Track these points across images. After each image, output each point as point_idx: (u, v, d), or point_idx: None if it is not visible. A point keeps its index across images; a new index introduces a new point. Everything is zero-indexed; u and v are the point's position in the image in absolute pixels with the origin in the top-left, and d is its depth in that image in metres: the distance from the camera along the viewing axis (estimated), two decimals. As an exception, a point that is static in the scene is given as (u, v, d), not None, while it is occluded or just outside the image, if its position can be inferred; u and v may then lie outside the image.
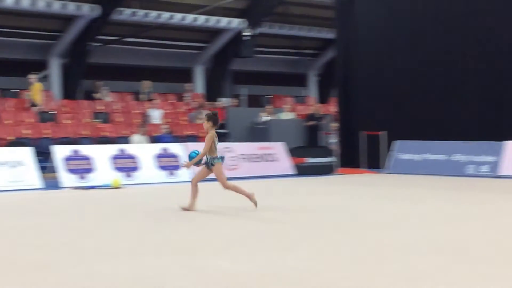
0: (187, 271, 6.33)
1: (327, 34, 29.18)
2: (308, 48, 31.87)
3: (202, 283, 5.82)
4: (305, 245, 7.83)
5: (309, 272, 6.28)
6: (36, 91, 22.47)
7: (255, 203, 11.62)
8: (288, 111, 26.55)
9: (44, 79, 25.75)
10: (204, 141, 11.86)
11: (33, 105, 22.54)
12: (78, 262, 6.85)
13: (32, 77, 22.34)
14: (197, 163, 11.82)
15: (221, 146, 20.55)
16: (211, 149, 11.62)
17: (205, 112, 25.36)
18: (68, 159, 17.47)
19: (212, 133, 11.67)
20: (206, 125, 11.83)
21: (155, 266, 6.60)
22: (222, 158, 11.78)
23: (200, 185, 11.68)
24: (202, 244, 7.95)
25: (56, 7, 23.25)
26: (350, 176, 20.63)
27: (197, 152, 11.78)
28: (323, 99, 31.31)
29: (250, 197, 11.72)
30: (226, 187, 11.80)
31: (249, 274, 6.20)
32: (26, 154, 17.08)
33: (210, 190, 12.57)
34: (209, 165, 11.64)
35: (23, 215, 11.45)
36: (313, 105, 27.19)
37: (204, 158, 11.68)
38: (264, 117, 25.25)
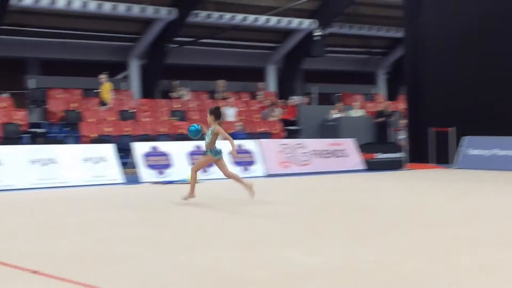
0: (263, 262, 6.40)
1: (396, 33, 28.90)
2: (377, 47, 31.61)
3: (277, 275, 5.88)
4: (376, 239, 7.82)
5: (382, 265, 6.28)
6: (105, 90, 22.60)
7: (252, 194, 11.93)
8: (357, 108, 26.40)
9: (124, 80, 26.25)
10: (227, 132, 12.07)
11: (103, 104, 22.73)
12: (159, 254, 6.99)
13: (102, 77, 22.46)
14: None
15: (293, 142, 20.74)
16: (212, 141, 11.86)
17: (277, 110, 25.59)
18: (147, 155, 17.77)
19: (218, 126, 11.88)
20: (209, 118, 12.04)
21: (231, 258, 6.69)
22: (220, 152, 12.03)
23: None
24: (277, 237, 8.01)
25: (136, 11, 23.64)
26: (419, 171, 20.44)
27: (196, 126, 12.11)
28: (392, 97, 31.02)
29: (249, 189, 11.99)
30: (230, 176, 12.20)
31: (323, 266, 6.22)
32: (108, 150, 17.45)
33: (276, 185, 12.64)
34: (216, 155, 11.87)
35: (107, 209, 11.73)
36: (382, 102, 26.97)
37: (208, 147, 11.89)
38: (335, 114, 25.19)
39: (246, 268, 6.17)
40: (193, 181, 12.09)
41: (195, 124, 12.36)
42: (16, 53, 24.29)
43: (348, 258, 6.62)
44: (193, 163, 13.09)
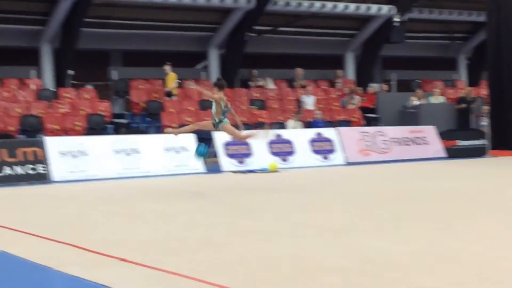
0: (347, 250, 6.37)
1: (478, 17, 28.27)
2: (458, 32, 30.94)
3: (361, 262, 5.84)
4: (460, 226, 7.68)
5: (468, 252, 6.16)
6: (170, 81, 22.48)
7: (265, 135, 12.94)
8: (438, 95, 25.97)
9: (203, 69, 26.48)
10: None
11: (168, 94, 22.59)
12: (243, 242, 7.04)
13: (167, 68, 22.39)
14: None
15: (373, 130, 20.58)
16: (218, 110, 11.91)
17: (356, 97, 25.39)
18: (228, 144, 17.91)
19: (219, 95, 11.92)
20: (214, 91, 12.09)
21: (315, 245, 6.68)
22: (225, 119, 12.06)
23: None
24: (361, 225, 7.97)
25: (215, 1, 23.81)
26: (503, 158, 19.99)
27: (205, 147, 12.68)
28: (473, 83, 30.34)
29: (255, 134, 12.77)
30: (241, 138, 12.64)
31: (409, 255, 6.15)
32: (189, 140, 17.66)
33: (356, 173, 12.57)
34: (218, 126, 12.02)
35: (190, 198, 11.88)
36: (464, 89, 26.45)
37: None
38: (415, 101, 24.86)
39: (330, 255, 6.16)
40: (248, 134, 12.80)
41: (202, 145, 12.96)
42: (99, 45, 24.78)
43: (434, 245, 6.52)
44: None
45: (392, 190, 12.22)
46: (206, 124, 12.58)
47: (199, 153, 12.64)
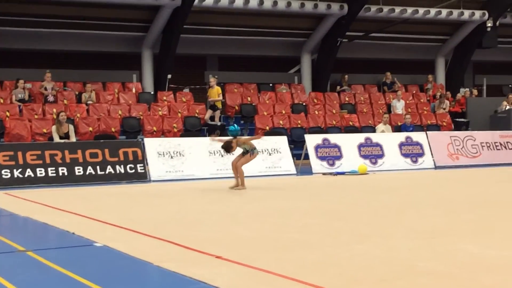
0: (437, 254, 6.24)
1: None
2: (552, 37, 29.98)
3: (452, 266, 5.72)
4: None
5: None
6: (214, 94, 21.44)
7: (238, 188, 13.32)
8: (530, 100, 25.19)
9: (296, 74, 26.51)
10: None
11: (212, 107, 21.47)
12: (336, 243, 6.99)
13: (212, 81, 21.57)
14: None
15: (462, 134, 20.12)
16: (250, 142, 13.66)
17: (446, 102, 24.90)
18: (319, 147, 17.86)
19: (245, 139, 13.83)
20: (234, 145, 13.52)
21: (405, 248, 6.58)
22: (255, 150, 13.66)
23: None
24: (451, 228, 7.80)
25: (309, 7, 23.82)
26: None
27: (235, 127, 13.87)
28: None
29: (239, 186, 13.37)
30: (240, 168, 13.44)
31: (499, 259, 5.98)
32: (282, 142, 17.70)
33: (445, 177, 12.30)
34: (250, 153, 13.47)
35: (282, 198, 11.88)
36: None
37: (246, 147, 13.49)
38: (506, 106, 24.19)
39: (420, 258, 6.04)
40: (243, 174, 13.53)
41: (235, 125, 14.21)
42: (196, 50, 25.18)
43: (527, 252, 6.33)
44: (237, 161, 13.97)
45: (483, 194, 11.92)
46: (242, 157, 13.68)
47: (232, 131, 13.81)
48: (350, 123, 22.97)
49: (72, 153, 15.65)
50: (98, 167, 15.69)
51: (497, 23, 26.52)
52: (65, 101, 20.89)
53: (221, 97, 21.60)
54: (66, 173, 15.38)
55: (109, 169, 15.77)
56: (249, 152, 13.50)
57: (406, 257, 6.13)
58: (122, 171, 15.86)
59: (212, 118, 21.24)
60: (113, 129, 19.75)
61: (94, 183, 15.30)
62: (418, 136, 19.31)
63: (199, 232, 7.84)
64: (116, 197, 12.73)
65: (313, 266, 5.84)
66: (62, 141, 16.50)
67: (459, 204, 10.43)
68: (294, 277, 5.36)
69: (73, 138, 17.03)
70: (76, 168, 15.52)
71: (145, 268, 5.98)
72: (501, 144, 20.20)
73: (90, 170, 15.60)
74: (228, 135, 14.37)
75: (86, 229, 8.11)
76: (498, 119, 23.72)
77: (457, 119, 24.80)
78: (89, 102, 20.98)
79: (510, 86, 29.05)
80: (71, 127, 17.30)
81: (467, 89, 26.73)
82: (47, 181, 15.09)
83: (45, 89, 20.86)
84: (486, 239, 7.05)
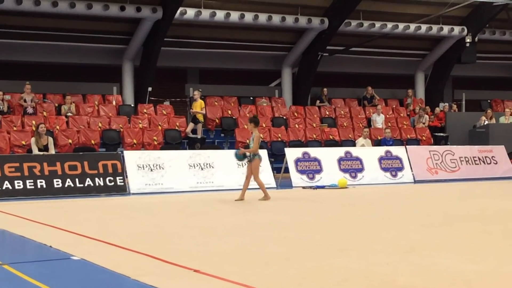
0: (416, 268, 6.26)
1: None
2: (530, 53, 30.30)
3: (430, 280, 5.73)
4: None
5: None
6: (198, 107, 21.36)
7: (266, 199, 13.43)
8: (508, 115, 25.38)
9: (277, 87, 26.56)
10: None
11: (194, 121, 21.35)
12: (314, 257, 6.99)
13: (196, 94, 21.59)
14: (242, 158, 13.88)
15: (442, 148, 20.23)
16: (255, 147, 13.36)
17: (425, 117, 25.06)
18: (299, 160, 17.88)
19: (257, 133, 13.53)
20: (250, 126, 13.70)
21: (384, 262, 6.59)
22: (260, 155, 13.64)
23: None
24: (430, 243, 7.82)
25: (290, 21, 23.87)
26: None
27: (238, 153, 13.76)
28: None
29: (266, 196, 13.46)
30: (256, 179, 13.43)
31: (476, 273, 6.01)
32: (262, 156, 17.63)
33: (424, 191, 12.35)
34: (250, 160, 13.41)
35: (261, 212, 11.87)
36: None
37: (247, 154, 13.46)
38: (484, 121, 24.38)
39: (399, 273, 6.05)
40: (262, 185, 13.66)
41: (238, 151, 14.11)
42: (177, 63, 25.16)
43: (502, 266, 6.35)
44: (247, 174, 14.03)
45: (461, 208, 11.98)
46: (255, 165, 13.60)
47: (237, 156, 13.90)
48: (330, 137, 23.03)
49: (51, 165, 15.55)
50: (77, 180, 15.59)
51: (476, 39, 26.75)
52: (45, 113, 20.77)
53: (204, 111, 21.55)
54: (44, 186, 15.27)
55: (88, 181, 15.68)
56: (248, 158, 13.57)
57: (384, 271, 6.14)
58: (101, 183, 15.77)
59: (194, 131, 21.19)
60: (92, 142, 19.67)
61: (73, 195, 15.19)
62: (397, 150, 19.39)
63: (177, 245, 7.81)
64: (94, 210, 12.65)
65: (292, 280, 5.83)
66: (41, 153, 16.38)
67: (437, 218, 10.47)
68: (273, 291, 5.35)
69: (52, 151, 16.92)
70: (55, 180, 15.41)
71: (123, 282, 5.94)
72: (479, 159, 20.33)
73: (69, 182, 15.49)
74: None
75: (63, 242, 8.05)
76: (477, 134, 23.89)
77: (437, 134, 24.95)
78: (69, 114, 20.87)
79: (489, 101, 29.29)
80: (50, 139, 17.19)
81: (446, 104, 26.92)
82: (25, 194, 14.97)
83: (25, 100, 20.74)
84: (463, 254, 7.08)
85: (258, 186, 13.67)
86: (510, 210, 11.73)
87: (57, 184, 15.38)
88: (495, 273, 6.05)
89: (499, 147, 20.90)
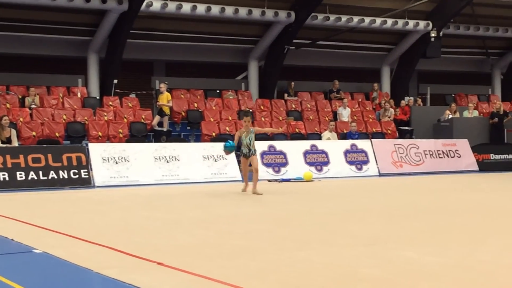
0: (377, 261, 6.31)
1: (513, 33, 28.02)
2: (494, 48, 30.62)
3: (392, 272, 5.79)
4: (493, 240, 7.56)
5: (500, 266, 6.07)
6: (164, 100, 21.13)
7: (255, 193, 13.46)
8: (472, 109, 25.71)
9: (244, 80, 26.55)
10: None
11: (160, 113, 21.14)
12: (279, 249, 7.01)
13: (162, 86, 21.40)
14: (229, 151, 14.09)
15: (406, 142, 20.41)
16: (253, 142, 13.64)
17: (391, 110, 25.24)
18: (265, 153, 17.91)
19: (256, 127, 14.21)
20: (246, 122, 13.72)
21: (347, 254, 6.63)
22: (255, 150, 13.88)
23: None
24: (393, 236, 7.90)
25: (256, 15, 23.85)
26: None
27: (231, 143, 13.79)
28: (508, 98, 30.00)
29: (253, 190, 13.51)
30: (257, 170, 13.65)
31: (438, 266, 6.08)
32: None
33: (388, 184, 12.45)
34: (249, 154, 13.59)
35: (227, 205, 11.87)
36: (497, 103, 26.14)
37: (244, 150, 13.62)
38: (448, 115, 24.63)
39: (361, 265, 6.10)
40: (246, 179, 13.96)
41: (230, 141, 14.08)
42: (143, 55, 25.01)
43: (464, 258, 6.43)
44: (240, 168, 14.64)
45: (424, 202, 12.10)
46: (255, 160, 13.83)
47: (227, 147, 13.91)
48: (296, 130, 23.09)
49: (14, 157, 15.38)
50: (40, 172, 15.44)
51: (441, 34, 26.98)
52: (8, 105, 20.51)
53: (170, 103, 21.45)
54: (7, 178, 15.10)
55: (52, 174, 15.54)
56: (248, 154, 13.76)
57: (347, 264, 6.18)
58: (66, 176, 15.64)
59: (160, 124, 21.09)
60: (57, 134, 19.48)
61: (36, 188, 15.04)
62: (363, 144, 19.52)
63: (141, 238, 7.78)
64: (58, 203, 12.55)
65: (255, 273, 5.85)
66: (4, 145, 16.19)
67: (401, 211, 10.57)
68: (236, 284, 5.36)
69: (15, 143, 16.72)
70: (18, 173, 15.25)
71: (85, 275, 5.91)
72: (443, 152, 20.53)
73: (32, 175, 15.34)
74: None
75: (25, 236, 7.98)
76: (441, 128, 24.14)
77: (402, 127, 25.15)
78: (33, 106, 20.65)
79: (453, 95, 29.59)
80: (14, 131, 16.98)
81: (411, 98, 27.13)
82: (-13, 186, 14.79)
83: (-13, 92, 20.48)
84: (426, 246, 7.15)
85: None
86: (473, 203, 11.87)
87: (20, 177, 15.22)
88: (458, 265, 6.13)
89: (463, 141, 21.13)
